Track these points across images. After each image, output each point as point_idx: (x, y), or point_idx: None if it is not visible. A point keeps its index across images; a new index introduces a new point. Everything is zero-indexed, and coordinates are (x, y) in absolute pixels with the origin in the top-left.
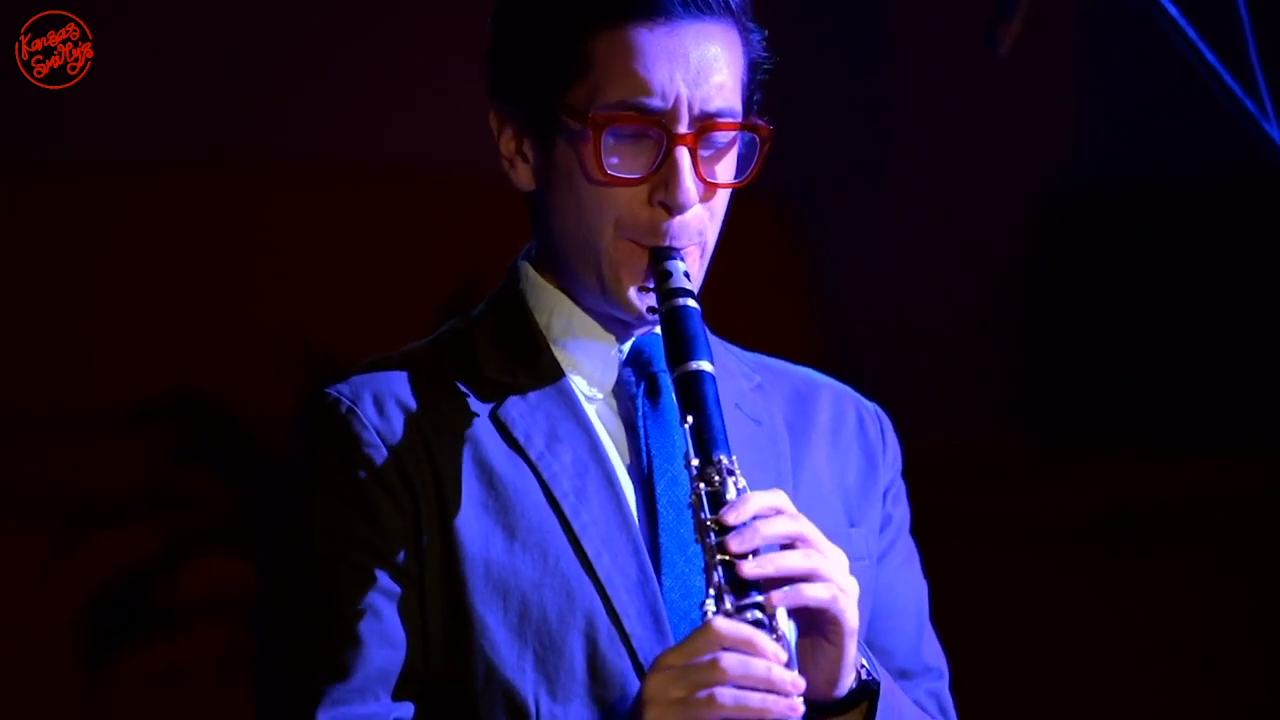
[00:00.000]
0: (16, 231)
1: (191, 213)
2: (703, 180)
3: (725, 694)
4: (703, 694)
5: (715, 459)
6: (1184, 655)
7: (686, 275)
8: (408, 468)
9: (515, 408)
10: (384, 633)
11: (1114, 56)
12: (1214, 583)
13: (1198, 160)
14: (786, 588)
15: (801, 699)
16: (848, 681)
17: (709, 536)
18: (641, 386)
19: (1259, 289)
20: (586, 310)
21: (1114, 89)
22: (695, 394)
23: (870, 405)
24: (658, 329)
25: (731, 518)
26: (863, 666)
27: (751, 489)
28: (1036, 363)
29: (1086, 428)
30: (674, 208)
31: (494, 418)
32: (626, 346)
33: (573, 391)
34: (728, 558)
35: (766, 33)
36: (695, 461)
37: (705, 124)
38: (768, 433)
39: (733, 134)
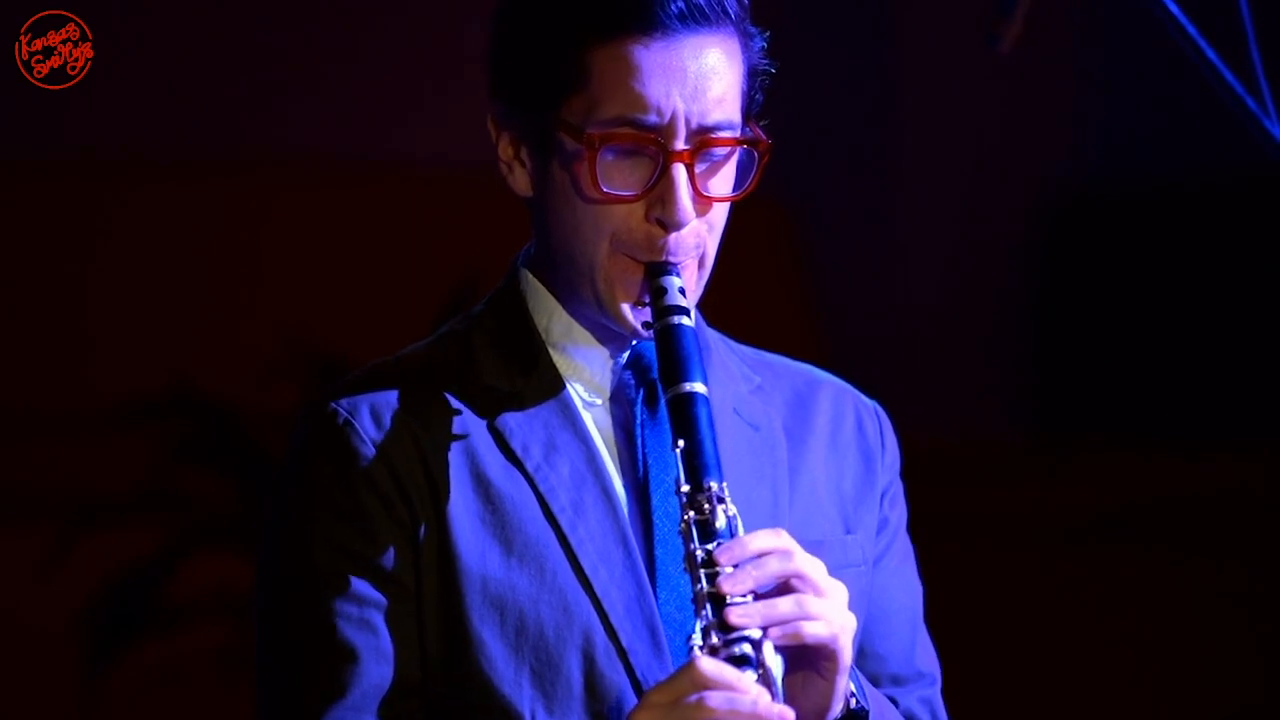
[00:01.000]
0: (16, 230)
1: (192, 212)
2: (699, 195)
3: None
4: None
5: (705, 485)
6: (1179, 653)
7: (682, 291)
8: (405, 481)
9: (513, 417)
10: (381, 649)
11: (1114, 55)
12: (1210, 580)
13: (1198, 158)
14: (782, 627)
15: None
16: (837, 710)
17: (698, 569)
18: (640, 393)
19: (1259, 287)
20: (582, 319)
21: (1114, 87)
22: (687, 417)
23: (869, 404)
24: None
25: (725, 558)
26: (851, 695)
27: (747, 503)
28: (1035, 361)
29: (1084, 426)
30: (670, 225)
31: (492, 428)
32: (626, 352)
33: (571, 398)
34: (715, 591)
35: (768, 33)
36: (685, 487)
37: (703, 139)
38: (765, 439)
39: (731, 148)
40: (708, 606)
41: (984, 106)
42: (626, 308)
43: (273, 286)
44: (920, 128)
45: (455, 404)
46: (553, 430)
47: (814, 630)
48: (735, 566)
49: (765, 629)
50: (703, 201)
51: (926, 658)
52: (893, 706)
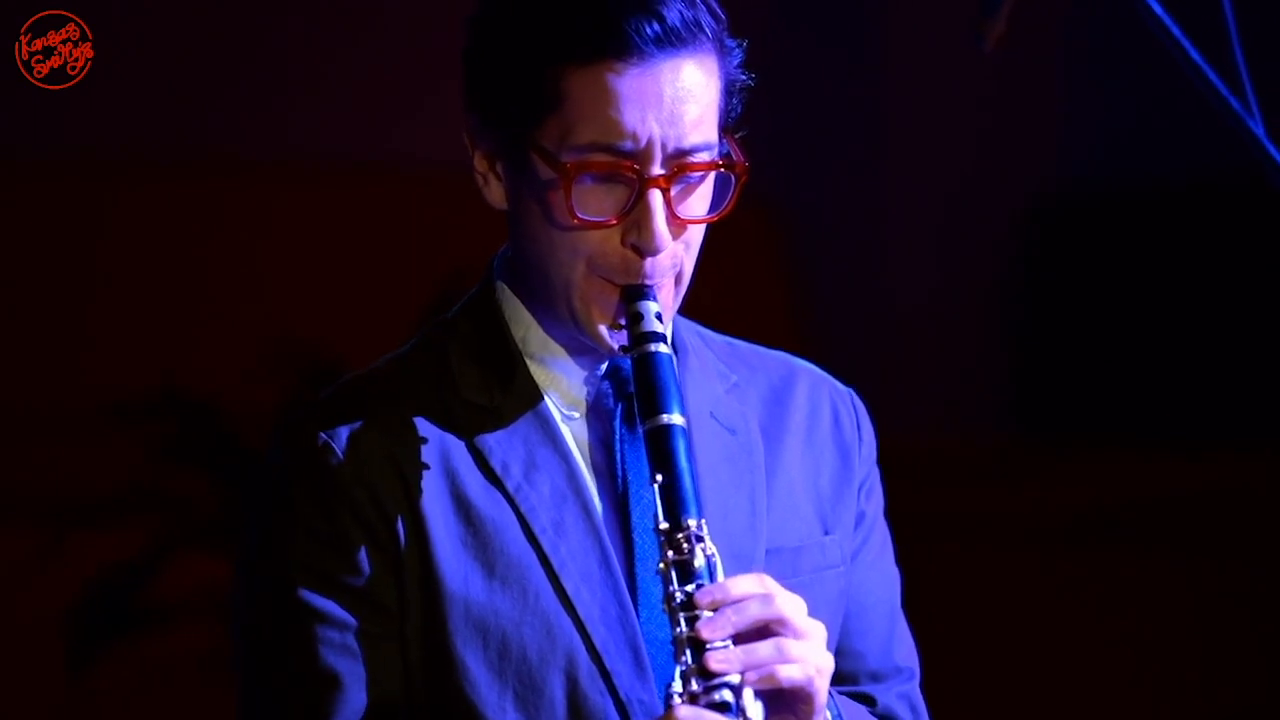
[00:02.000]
0: (2, 230)
1: (179, 213)
2: (676, 219)
3: None
4: None
5: (684, 524)
6: (1168, 652)
7: (658, 317)
8: (385, 504)
9: (493, 435)
10: (363, 674)
11: (1099, 55)
12: (1205, 580)
13: (1183, 159)
14: (759, 670)
15: None
16: None
17: (677, 613)
18: (619, 407)
19: (1244, 287)
20: (558, 336)
21: (1099, 88)
22: (665, 451)
23: (844, 391)
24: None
25: (705, 601)
26: None
27: (725, 510)
28: (1022, 361)
29: (1073, 426)
30: (647, 251)
31: (471, 446)
32: (604, 364)
33: (549, 412)
34: (695, 636)
35: (745, 43)
36: (664, 525)
37: (679, 164)
38: (742, 443)
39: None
40: (687, 652)
41: (970, 106)
42: (603, 329)
43: (260, 286)
44: (907, 127)
45: (434, 422)
46: (532, 447)
47: (789, 674)
48: (715, 610)
49: (743, 673)
50: (679, 225)
51: (905, 652)
52: (880, 690)
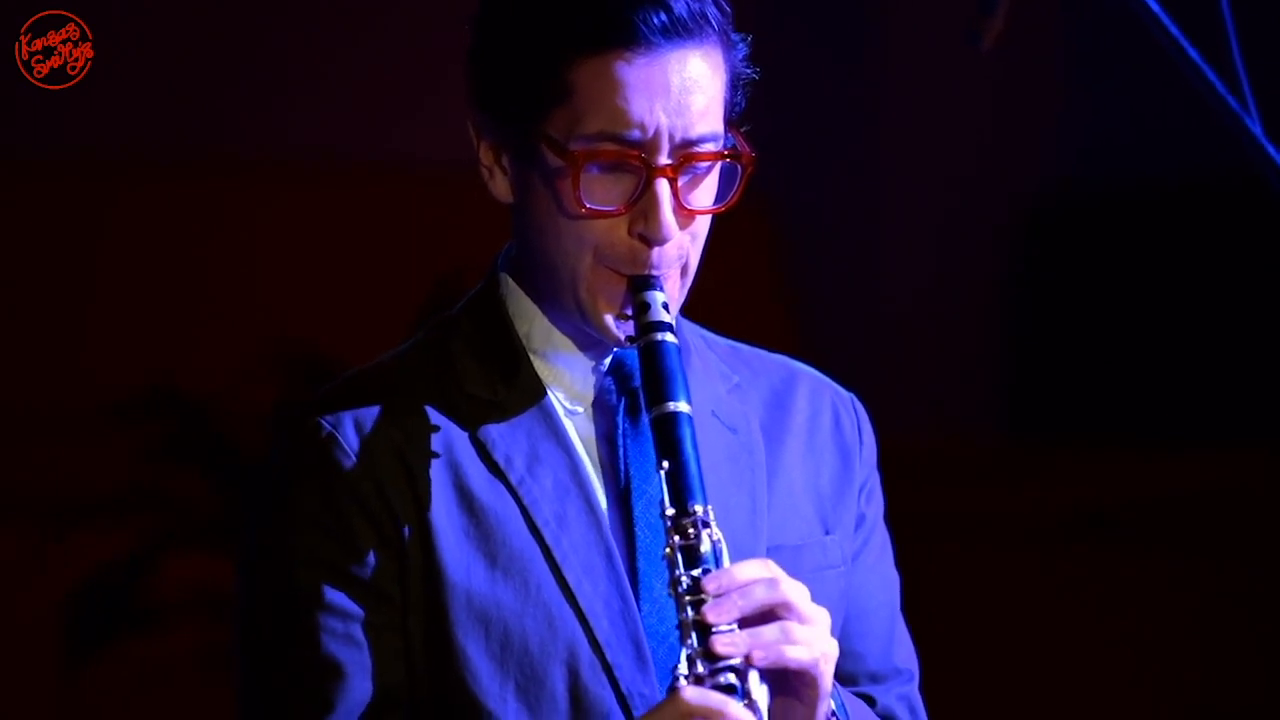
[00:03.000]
0: None
1: (177, 213)
2: (682, 209)
3: None
4: None
5: (690, 509)
6: (1166, 652)
7: (665, 307)
8: (389, 495)
9: (496, 428)
10: (366, 664)
11: (1097, 55)
12: (1196, 580)
13: (1180, 159)
14: (765, 652)
15: None
16: None
17: (683, 597)
18: (623, 402)
19: (1240, 287)
20: (564, 328)
21: (1096, 87)
22: (672, 438)
23: (846, 396)
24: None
25: (711, 586)
26: (833, 715)
27: (726, 509)
28: (1019, 361)
29: (1068, 426)
30: (654, 240)
31: (474, 439)
32: (608, 359)
33: (553, 407)
34: (701, 619)
35: (750, 37)
36: (670, 511)
37: (686, 153)
38: (743, 442)
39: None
40: (693, 635)
41: (967, 106)
42: (610, 319)
43: (258, 286)
44: (904, 127)
45: (437, 414)
46: (535, 440)
47: (796, 655)
48: (720, 594)
49: (749, 656)
50: (686, 215)
51: (904, 653)
52: (873, 717)
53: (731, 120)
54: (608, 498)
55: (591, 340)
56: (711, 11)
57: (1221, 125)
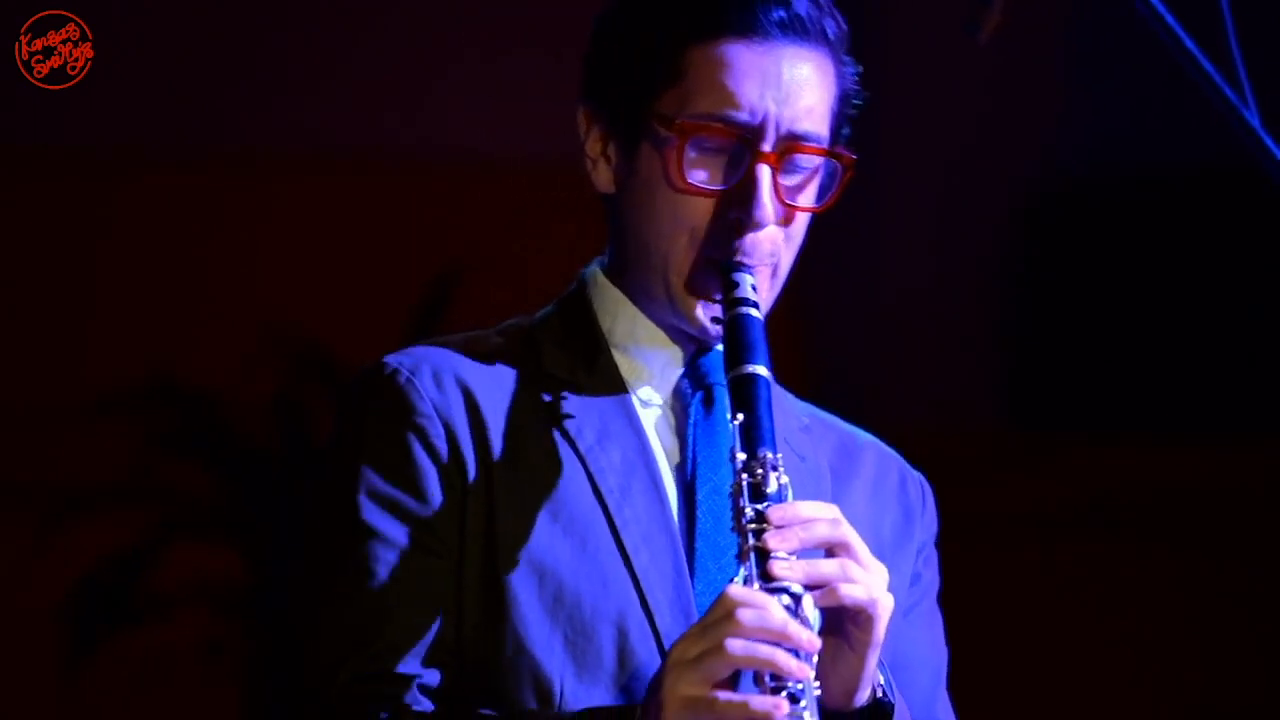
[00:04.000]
0: None
1: (174, 204)
2: (781, 202)
3: (735, 644)
4: (712, 646)
5: (760, 454)
6: (1165, 646)
7: (754, 289)
8: (460, 443)
9: (570, 402)
10: (419, 600)
11: (1095, 48)
12: (1196, 574)
13: (1178, 151)
14: (822, 589)
15: (814, 670)
16: (864, 695)
17: (746, 528)
18: (698, 396)
19: (1239, 278)
20: (650, 319)
21: (1094, 80)
22: (748, 394)
23: (916, 473)
24: (720, 346)
25: (775, 516)
26: (880, 685)
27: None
28: (1018, 355)
29: (1068, 420)
30: (749, 223)
31: (549, 408)
32: (687, 359)
33: (629, 396)
34: (760, 546)
35: (861, 69)
36: (741, 455)
37: (790, 145)
38: (811, 469)
39: (816, 160)
40: (751, 559)
41: (965, 100)
42: (699, 304)
43: (256, 277)
44: (901, 120)
45: (515, 381)
46: (607, 419)
47: (852, 593)
48: (783, 525)
49: (806, 586)
50: (783, 208)
51: (945, 712)
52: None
53: (836, 141)
54: (675, 485)
55: (673, 338)
56: (829, 24)
57: (1220, 118)
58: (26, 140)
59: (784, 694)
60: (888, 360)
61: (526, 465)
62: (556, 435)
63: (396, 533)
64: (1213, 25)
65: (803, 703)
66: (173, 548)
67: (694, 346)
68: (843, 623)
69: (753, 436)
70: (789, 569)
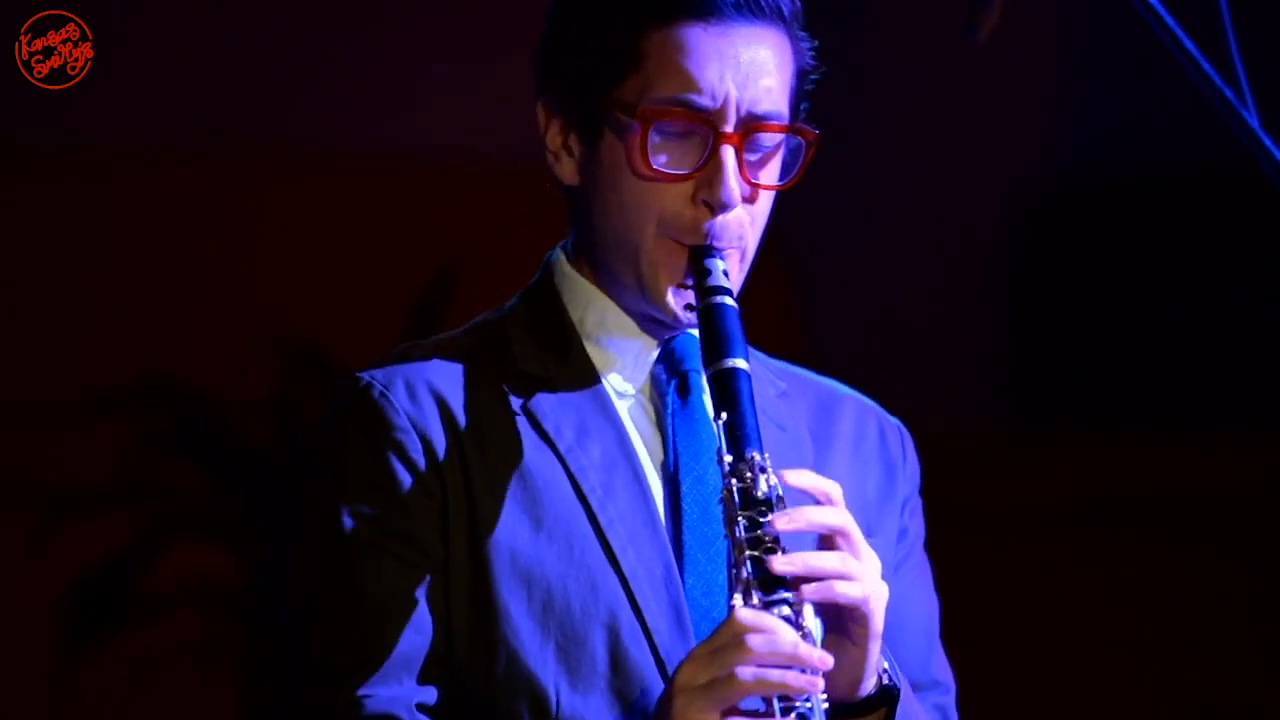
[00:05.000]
0: None
1: (170, 203)
2: (746, 181)
3: (745, 671)
4: (724, 673)
5: (748, 455)
6: (1160, 643)
7: (726, 274)
8: (437, 454)
9: (546, 401)
10: (409, 616)
11: (1093, 46)
12: (1193, 570)
13: (1176, 149)
14: (818, 584)
15: (823, 680)
16: (869, 684)
17: (739, 531)
18: (673, 384)
19: (1236, 277)
20: (621, 307)
21: (1092, 79)
22: (730, 390)
23: (894, 421)
24: (693, 330)
25: (782, 523)
26: (884, 671)
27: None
28: (1015, 352)
29: (1065, 417)
30: (716, 206)
31: (525, 409)
32: (660, 346)
33: (604, 388)
34: (757, 554)
35: (817, 42)
36: (728, 458)
37: (752, 125)
38: (791, 439)
39: (778, 138)
40: (748, 562)
41: (963, 97)
42: (670, 290)
43: (253, 276)
44: (899, 118)
45: (489, 384)
46: (585, 415)
47: (847, 590)
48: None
49: (802, 589)
50: (749, 188)
51: (942, 668)
52: (915, 699)
53: (796, 116)
54: (657, 476)
55: (644, 326)
56: (784, 2)
57: (1218, 115)
58: (25, 139)
59: (794, 714)
60: (886, 358)
61: (506, 472)
62: (535, 437)
63: (384, 551)
64: (1211, 25)
65: None
66: (170, 547)
67: (666, 333)
68: (842, 619)
69: (738, 436)
70: (788, 564)
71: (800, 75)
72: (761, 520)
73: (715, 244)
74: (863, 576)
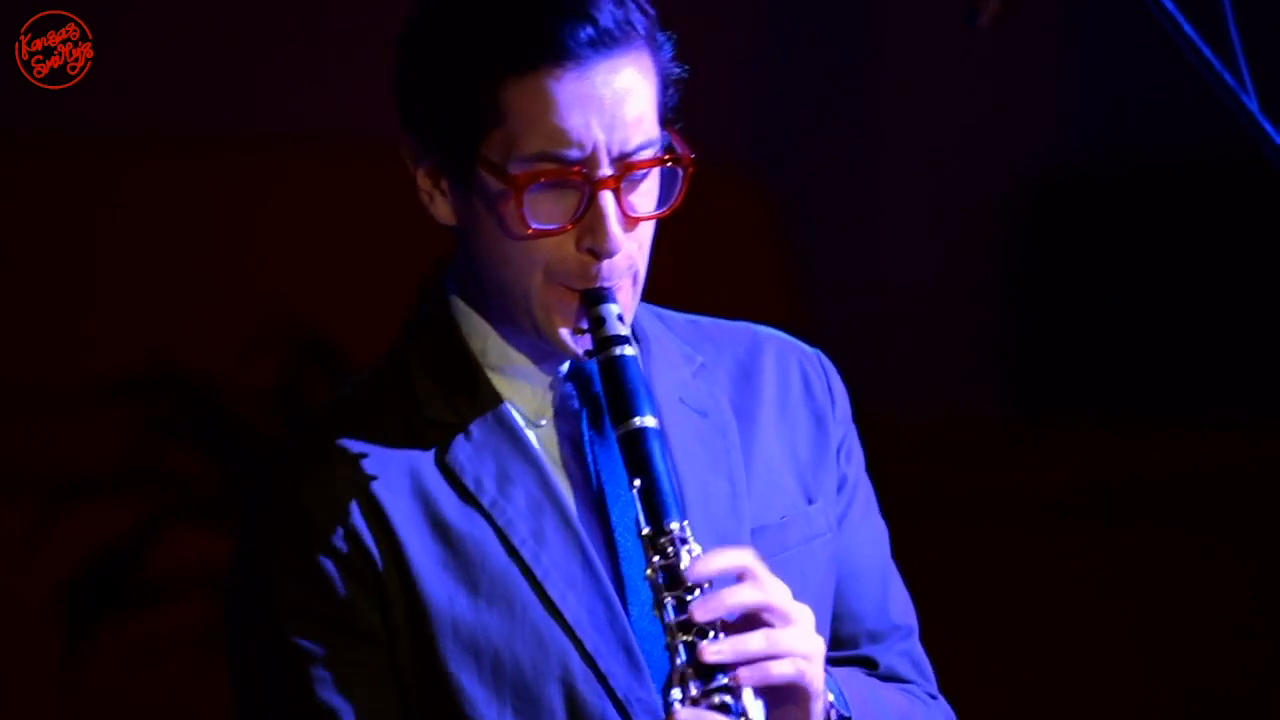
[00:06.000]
0: None
1: (173, 189)
2: (628, 218)
3: None
4: None
5: (666, 527)
6: (1165, 630)
7: (620, 319)
8: (364, 538)
9: (462, 450)
10: (361, 709)
11: (1095, 33)
12: (1197, 557)
13: (1178, 137)
14: (751, 667)
15: None
16: None
17: (667, 615)
18: (584, 411)
19: (1239, 264)
20: (520, 343)
21: (1095, 66)
22: (642, 455)
23: (812, 354)
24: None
25: (699, 614)
26: (831, 707)
27: (705, 495)
28: (1019, 339)
29: (1069, 404)
30: (602, 253)
31: (442, 465)
32: (565, 368)
33: (515, 422)
34: (689, 638)
35: (675, 36)
36: (646, 531)
37: (626, 164)
38: (715, 424)
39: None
40: (681, 650)
41: (966, 84)
42: (566, 333)
43: (255, 262)
44: (902, 105)
45: (402, 447)
46: (503, 459)
47: (781, 670)
48: (705, 587)
49: (738, 673)
50: (631, 222)
51: (901, 609)
52: (876, 692)
53: (667, 120)
54: (582, 508)
55: (547, 353)
56: (636, 18)
57: (1219, 102)
58: (26, 126)
59: None
60: (891, 345)
61: (435, 540)
62: (456, 496)
63: (326, 648)
64: (1213, 12)
65: None
66: (172, 534)
67: (569, 359)
68: (780, 692)
69: (655, 505)
70: (718, 653)
71: (665, 83)
72: (689, 599)
73: (606, 284)
74: (793, 649)
